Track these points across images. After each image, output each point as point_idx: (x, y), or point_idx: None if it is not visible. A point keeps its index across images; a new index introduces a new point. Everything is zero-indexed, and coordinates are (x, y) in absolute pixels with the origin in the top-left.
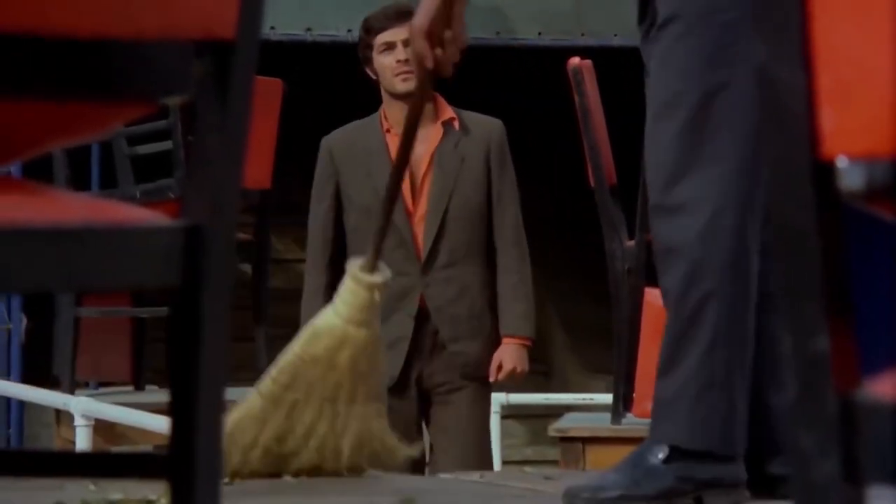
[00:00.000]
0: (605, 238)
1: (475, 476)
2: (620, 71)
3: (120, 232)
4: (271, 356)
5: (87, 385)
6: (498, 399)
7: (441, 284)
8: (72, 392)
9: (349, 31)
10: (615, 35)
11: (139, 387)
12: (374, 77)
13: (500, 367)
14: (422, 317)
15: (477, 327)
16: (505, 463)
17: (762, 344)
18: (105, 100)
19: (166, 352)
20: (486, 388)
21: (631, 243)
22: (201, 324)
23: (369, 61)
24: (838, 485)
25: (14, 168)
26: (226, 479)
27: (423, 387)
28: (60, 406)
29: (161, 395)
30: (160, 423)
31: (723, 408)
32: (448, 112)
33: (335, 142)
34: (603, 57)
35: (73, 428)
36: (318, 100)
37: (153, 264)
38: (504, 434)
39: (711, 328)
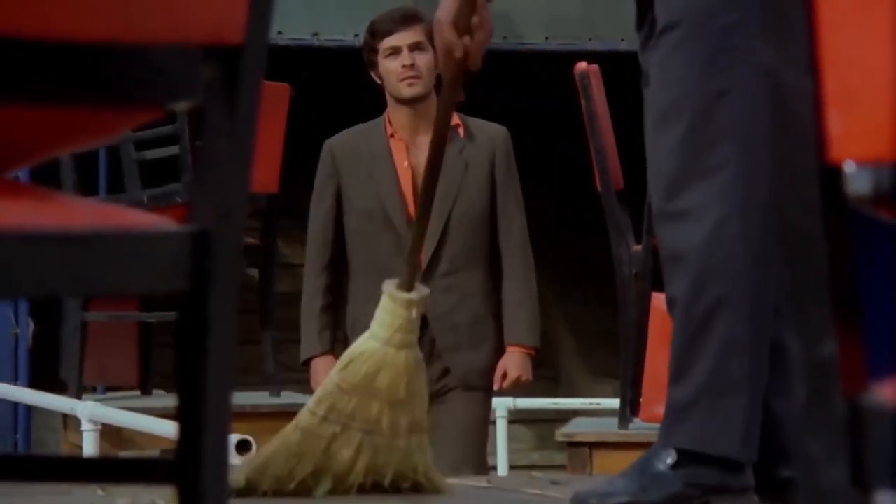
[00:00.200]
0: (611, 242)
1: (482, 481)
2: (627, 76)
3: (127, 237)
4: (277, 360)
5: (94, 390)
6: (505, 404)
7: (441, 293)
8: (79, 397)
9: (356, 35)
10: (622, 40)
11: (146, 391)
12: (378, 81)
13: (504, 376)
14: (420, 325)
15: (478, 336)
16: (512, 468)
17: (774, 350)
18: (112, 105)
19: (173, 356)
20: (486, 395)
21: (638, 248)
22: (208, 328)
23: (374, 65)
24: (846, 490)
25: (22, 173)
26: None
27: None
28: (67, 411)
29: (168, 400)
30: (167, 428)
31: (738, 414)
32: (453, 118)
33: (337, 144)
34: (610, 62)
35: (80, 432)
36: (325, 104)
37: (160, 269)
38: (511, 439)
39: (723, 335)
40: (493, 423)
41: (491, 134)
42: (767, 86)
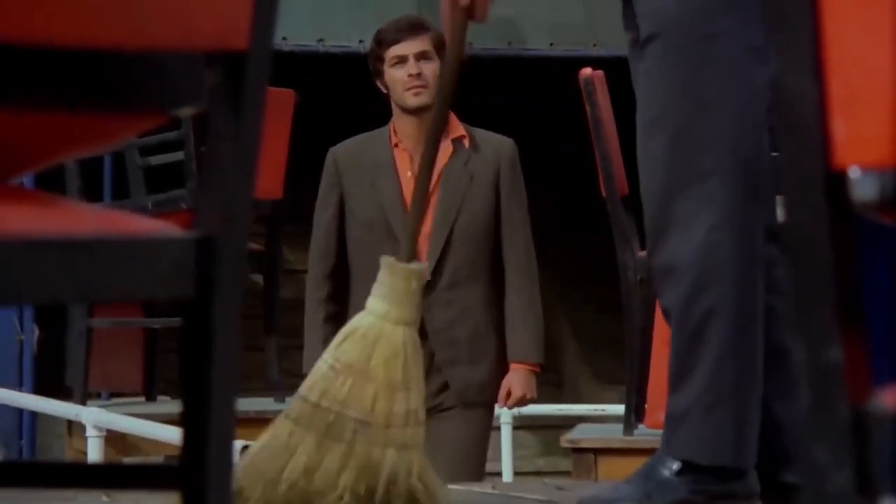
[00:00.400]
0: (616, 248)
1: (487, 487)
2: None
3: (132, 243)
4: (282, 366)
5: (98, 396)
6: (509, 410)
7: (442, 306)
8: (84, 403)
9: (361, 41)
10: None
11: (151, 397)
12: (384, 91)
13: (508, 394)
14: (420, 338)
15: (478, 351)
16: (517, 474)
17: (769, 353)
18: (117, 111)
19: (178, 362)
20: (486, 412)
21: (643, 254)
22: (213, 334)
23: (380, 74)
24: (851, 496)
25: (27, 179)
26: None
27: None
28: (72, 417)
29: (173, 406)
30: (172, 434)
31: (733, 422)
32: (459, 129)
33: (341, 153)
34: (614, 67)
35: (84, 439)
36: (329, 110)
37: (165, 275)
38: (516, 445)
39: (717, 343)
40: (498, 428)
41: (497, 146)
42: (751, 93)
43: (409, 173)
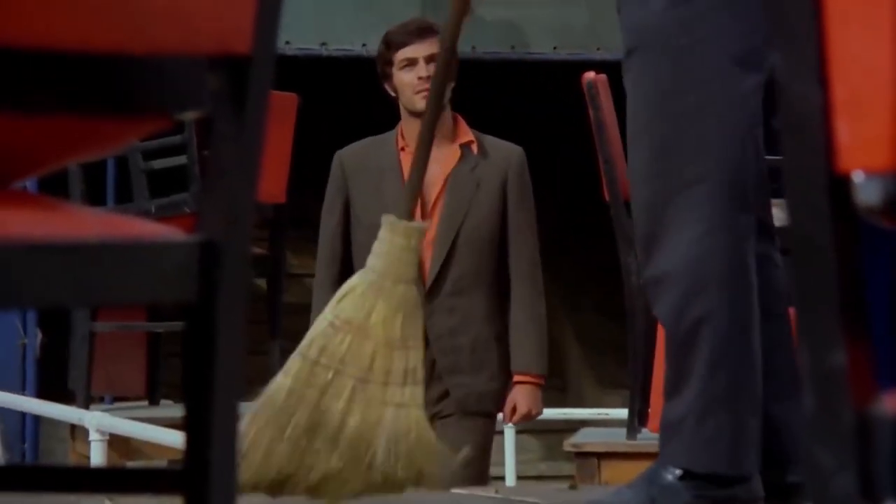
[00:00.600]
0: (620, 252)
1: (490, 491)
2: None
3: (135, 247)
4: None
5: (101, 400)
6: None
7: (444, 314)
8: (87, 407)
9: (364, 45)
10: None
11: (154, 401)
12: (392, 94)
13: (513, 410)
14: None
15: (480, 359)
16: (520, 478)
17: (764, 353)
18: (120, 115)
19: (181, 366)
20: (487, 421)
21: None
22: (216, 338)
23: (388, 77)
24: (855, 500)
25: (30, 183)
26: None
27: None
28: (75, 421)
29: (176, 410)
30: (175, 438)
31: (728, 429)
32: (467, 135)
33: (348, 156)
34: (618, 71)
35: (87, 443)
36: (332, 114)
37: (168, 279)
38: (519, 449)
39: (708, 352)
40: (501, 433)
41: (506, 153)
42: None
43: None
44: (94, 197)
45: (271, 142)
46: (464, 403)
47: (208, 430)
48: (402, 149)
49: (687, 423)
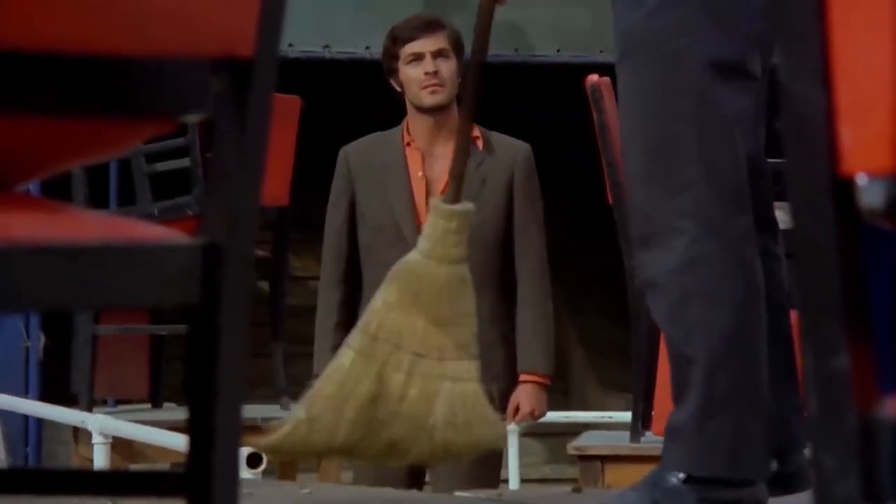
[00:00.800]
0: (623, 255)
1: (493, 493)
2: None
3: (138, 250)
4: (288, 373)
5: (104, 403)
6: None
7: None
8: (90, 410)
9: (367, 48)
10: None
11: (157, 404)
12: (398, 89)
13: (516, 410)
14: None
15: (485, 361)
16: (523, 481)
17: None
18: (123, 117)
19: (184, 369)
20: None
21: None
22: (219, 341)
23: (394, 72)
24: (858, 503)
25: (33, 186)
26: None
27: None
28: (78, 424)
29: (179, 413)
30: (178, 441)
31: (728, 432)
32: (473, 130)
33: (353, 152)
34: None
35: (90, 446)
36: (335, 117)
37: (171, 282)
38: (522, 452)
39: (704, 356)
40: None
41: (512, 150)
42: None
43: (420, 173)
44: (97, 200)
45: (274, 144)
46: None
47: (211, 432)
48: (408, 144)
49: (688, 428)
